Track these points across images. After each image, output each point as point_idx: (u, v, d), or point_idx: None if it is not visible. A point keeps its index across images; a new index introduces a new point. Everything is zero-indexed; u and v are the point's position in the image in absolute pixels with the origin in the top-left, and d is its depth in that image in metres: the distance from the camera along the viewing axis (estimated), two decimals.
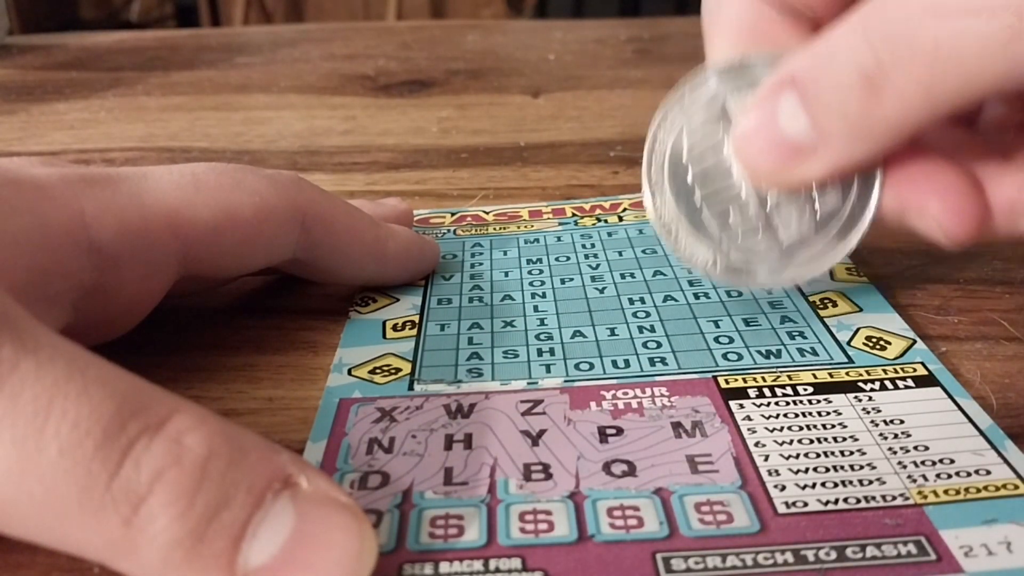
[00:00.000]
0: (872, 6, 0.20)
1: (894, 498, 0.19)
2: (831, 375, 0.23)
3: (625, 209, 0.34)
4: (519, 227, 0.33)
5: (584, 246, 0.31)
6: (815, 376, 0.23)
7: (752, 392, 0.22)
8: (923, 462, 0.20)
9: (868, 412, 0.21)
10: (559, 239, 0.32)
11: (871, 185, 0.22)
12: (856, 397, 0.22)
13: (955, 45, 0.18)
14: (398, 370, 0.24)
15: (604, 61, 0.61)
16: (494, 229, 0.33)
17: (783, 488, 0.19)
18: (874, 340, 0.24)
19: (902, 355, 0.24)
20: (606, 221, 0.33)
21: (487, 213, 0.35)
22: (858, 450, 0.20)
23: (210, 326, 0.27)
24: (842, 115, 0.20)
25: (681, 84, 0.23)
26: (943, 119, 0.20)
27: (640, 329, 0.26)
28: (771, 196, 0.23)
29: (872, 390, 0.22)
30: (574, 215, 0.34)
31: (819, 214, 0.23)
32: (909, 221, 0.22)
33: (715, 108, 0.23)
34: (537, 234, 0.33)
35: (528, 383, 0.23)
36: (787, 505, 0.19)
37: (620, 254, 0.30)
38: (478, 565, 0.17)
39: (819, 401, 0.22)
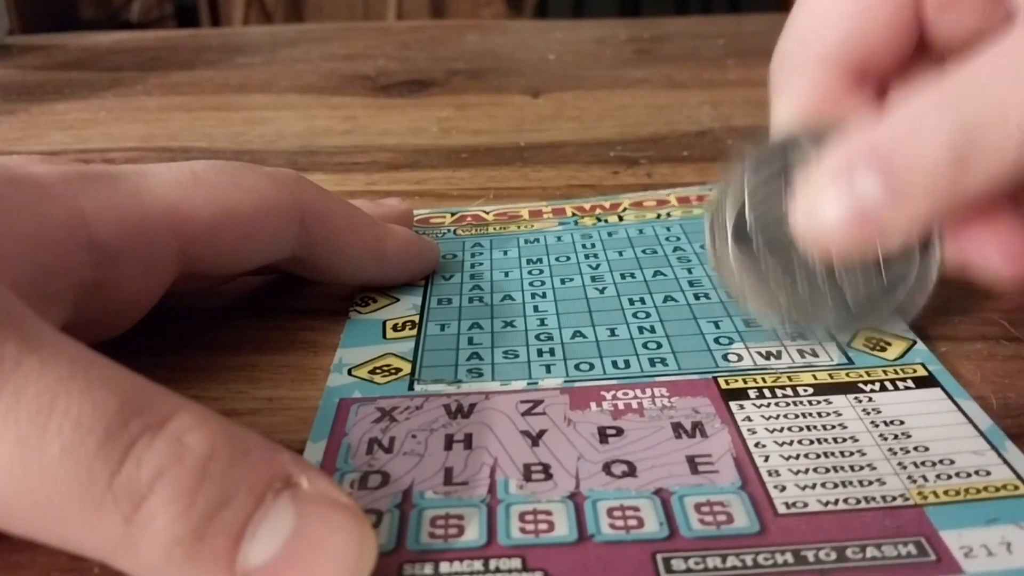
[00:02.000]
0: (955, 79, 0.20)
1: (894, 499, 0.19)
2: (831, 376, 0.23)
3: (625, 209, 0.34)
4: (519, 227, 0.33)
5: (584, 246, 0.31)
6: (815, 377, 0.23)
7: (752, 393, 0.22)
8: (923, 463, 0.20)
9: (868, 413, 0.21)
10: (559, 239, 0.32)
11: (933, 246, 0.23)
12: (856, 398, 0.22)
13: None
14: (398, 370, 0.24)
15: (604, 61, 0.61)
16: (494, 229, 0.33)
17: (783, 489, 0.19)
18: (874, 341, 0.24)
19: (902, 356, 0.24)
20: (606, 221, 0.33)
21: (487, 213, 0.35)
22: (858, 451, 0.20)
23: (210, 326, 0.27)
24: (928, 190, 0.20)
25: (745, 147, 0.24)
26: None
27: (640, 330, 0.26)
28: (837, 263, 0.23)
29: (872, 391, 0.22)
30: (574, 215, 0.34)
31: (886, 278, 0.23)
32: (971, 272, 0.23)
33: (780, 172, 0.23)
34: (537, 234, 0.33)
35: (528, 383, 0.23)
36: (787, 506, 0.19)
37: (620, 254, 0.30)
38: (478, 565, 0.17)
39: (819, 402, 0.22)
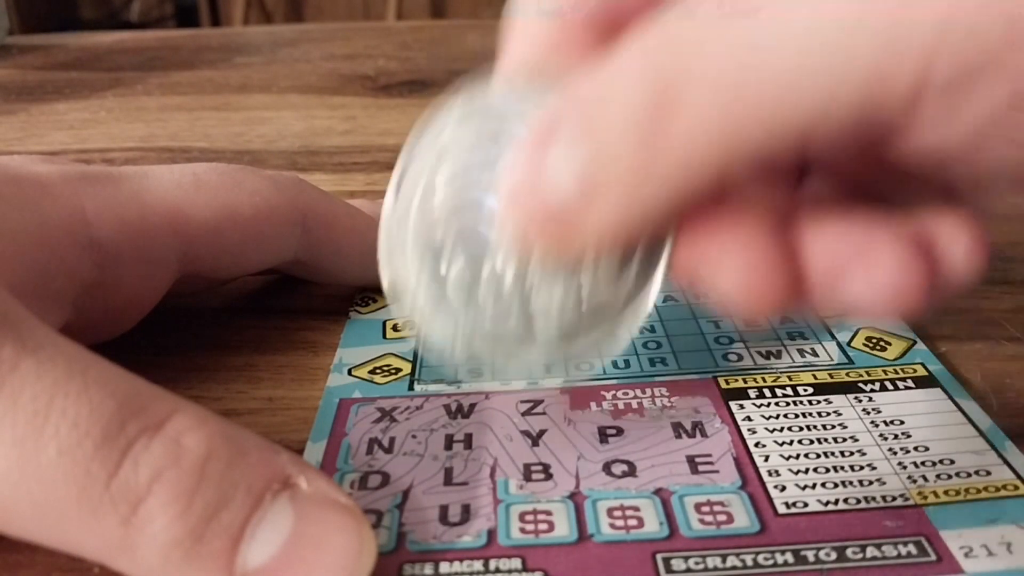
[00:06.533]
0: (665, 19, 0.15)
1: (894, 499, 0.19)
2: (831, 376, 0.23)
3: None
4: None
5: None
6: (815, 377, 0.23)
7: (752, 393, 0.22)
8: (923, 463, 0.20)
9: (868, 413, 0.21)
10: None
11: (654, 266, 0.17)
12: (856, 398, 0.22)
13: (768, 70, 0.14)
14: (398, 370, 0.24)
15: None
16: None
17: (783, 488, 0.19)
18: (874, 341, 0.24)
19: (902, 356, 0.24)
20: None
21: None
22: (858, 451, 0.20)
23: (210, 326, 0.27)
24: (618, 156, 0.15)
25: (454, 95, 0.17)
26: (748, 169, 0.15)
27: (640, 329, 0.26)
28: (531, 272, 0.17)
29: (872, 391, 0.22)
30: None
31: (585, 304, 0.17)
32: (702, 291, 0.17)
33: (491, 138, 0.17)
34: None
35: (528, 383, 0.23)
36: (787, 505, 0.19)
37: None
38: (478, 565, 0.17)
39: (819, 402, 0.22)
